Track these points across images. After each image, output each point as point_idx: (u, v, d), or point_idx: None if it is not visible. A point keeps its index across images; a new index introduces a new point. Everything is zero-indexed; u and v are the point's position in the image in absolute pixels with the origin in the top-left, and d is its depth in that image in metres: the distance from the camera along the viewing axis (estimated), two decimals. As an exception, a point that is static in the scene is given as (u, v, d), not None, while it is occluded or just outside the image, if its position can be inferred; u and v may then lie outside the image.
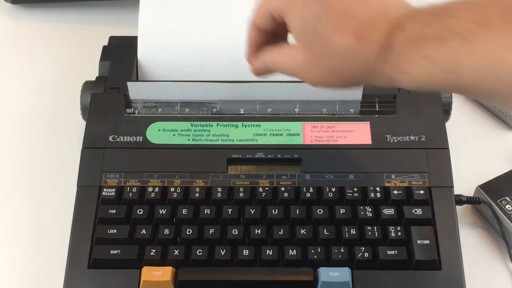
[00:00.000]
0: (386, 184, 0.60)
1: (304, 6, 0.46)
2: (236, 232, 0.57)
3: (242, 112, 0.65)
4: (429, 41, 0.41)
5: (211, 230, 0.57)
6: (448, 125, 0.64)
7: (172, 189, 0.59)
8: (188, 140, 0.62)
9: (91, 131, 0.63)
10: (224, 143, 0.62)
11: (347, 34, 0.44)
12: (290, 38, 0.51)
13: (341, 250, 0.56)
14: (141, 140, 0.62)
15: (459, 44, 0.40)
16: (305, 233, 0.57)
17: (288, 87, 0.64)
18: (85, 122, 0.64)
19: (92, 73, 0.69)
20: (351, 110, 0.65)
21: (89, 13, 0.84)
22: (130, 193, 0.59)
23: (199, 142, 0.62)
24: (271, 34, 0.51)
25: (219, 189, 0.59)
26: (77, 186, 0.60)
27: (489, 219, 0.64)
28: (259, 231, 0.57)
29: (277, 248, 0.56)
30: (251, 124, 0.63)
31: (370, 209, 0.58)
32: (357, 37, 0.44)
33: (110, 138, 0.62)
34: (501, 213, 0.61)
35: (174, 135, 0.63)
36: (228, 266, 0.56)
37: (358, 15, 0.44)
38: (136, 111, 0.65)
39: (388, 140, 0.62)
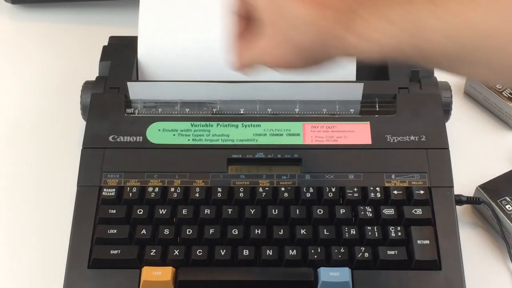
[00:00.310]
0: (386, 184, 0.60)
1: None
2: (236, 232, 0.57)
3: (242, 112, 0.65)
4: (395, 5, 0.40)
5: (211, 230, 0.57)
6: (448, 125, 0.64)
7: (172, 189, 0.59)
8: (188, 140, 0.62)
9: (91, 131, 0.63)
10: (224, 143, 0.62)
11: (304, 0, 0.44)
12: None
13: (341, 250, 0.56)
14: (141, 140, 0.62)
15: (426, 7, 0.39)
16: (305, 233, 0.57)
17: (288, 87, 0.64)
18: (85, 122, 0.64)
19: (92, 73, 0.69)
20: (351, 110, 0.65)
21: (89, 13, 0.84)
22: (130, 193, 0.59)
23: (199, 142, 0.62)
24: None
25: (219, 189, 0.59)
26: (77, 186, 0.60)
27: (489, 219, 0.64)
28: (259, 231, 0.57)
29: (277, 248, 0.56)
30: (251, 124, 0.63)
31: (370, 209, 0.58)
32: (313, 2, 0.43)
33: (110, 138, 0.62)
34: (501, 213, 0.61)
35: (174, 135, 0.63)
36: (228, 266, 0.56)
37: None
38: (136, 111, 0.65)
39: (388, 140, 0.62)
